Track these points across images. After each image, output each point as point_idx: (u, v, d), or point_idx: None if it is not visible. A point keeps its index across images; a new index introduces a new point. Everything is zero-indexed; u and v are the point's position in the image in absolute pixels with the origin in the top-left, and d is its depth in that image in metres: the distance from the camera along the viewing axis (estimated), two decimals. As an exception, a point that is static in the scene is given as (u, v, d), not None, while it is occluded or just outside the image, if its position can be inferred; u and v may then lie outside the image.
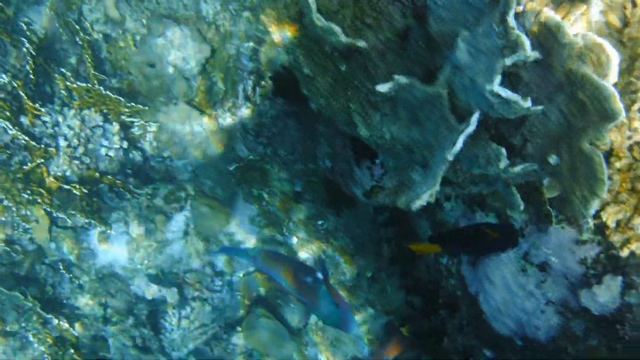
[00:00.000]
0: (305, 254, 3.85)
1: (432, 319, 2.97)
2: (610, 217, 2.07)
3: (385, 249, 3.59)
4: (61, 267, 4.10)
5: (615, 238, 2.06)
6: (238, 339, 4.30)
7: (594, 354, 2.21)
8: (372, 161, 2.30)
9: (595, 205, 1.54)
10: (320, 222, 3.75)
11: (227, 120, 3.87)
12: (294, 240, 3.90)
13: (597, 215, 2.07)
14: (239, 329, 4.29)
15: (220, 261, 4.25)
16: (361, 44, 1.84)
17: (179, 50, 3.77)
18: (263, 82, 3.65)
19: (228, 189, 4.08)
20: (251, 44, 3.64)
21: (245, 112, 3.78)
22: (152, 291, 4.21)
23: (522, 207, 1.83)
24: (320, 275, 2.26)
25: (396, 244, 3.45)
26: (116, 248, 4.18)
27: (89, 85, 3.70)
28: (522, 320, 2.38)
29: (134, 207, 4.08)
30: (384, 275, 3.64)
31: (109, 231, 4.07)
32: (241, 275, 4.29)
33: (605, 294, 2.12)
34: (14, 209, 3.78)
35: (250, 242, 4.15)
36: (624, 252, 2.06)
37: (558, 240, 2.20)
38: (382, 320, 3.82)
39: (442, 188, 2.09)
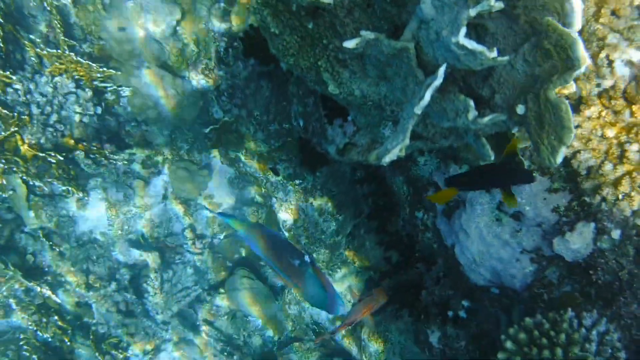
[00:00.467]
0: (285, 215, 3.86)
1: (410, 273, 3.00)
2: (581, 164, 2.09)
3: (363, 206, 3.61)
4: (41, 235, 4.09)
5: (587, 185, 2.09)
6: (221, 300, 4.34)
7: (568, 299, 2.25)
8: (343, 119, 2.30)
9: (562, 153, 1.55)
10: (298, 182, 3.76)
11: (201, 82, 3.85)
12: (274, 201, 3.90)
13: (568, 163, 2.10)
14: (221, 290, 4.32)
15: (201, 224, 4.26)
16: (326, 0, 1.83)
17: (150, 13, 3.72)
18: (235, 43, 3.61)
19: (205, 152, 4.07)
20: (222, 4, 3.60)
21: (218, 73, 3.76)
22: (133, 256, 4.23)
23: (492, 158, 1.83)
24: (307, 258, 2.27)
25: (373, 201, 3.46)
26: (95, 214, 4.17)
27: (60, 51, 3.65)
28: (497, 270, 2.42)
29: (111, 173, 4.07)
30: (362, 232, 3.67)
31: (86, 198, 4.06)
32: (222, 237, 4.31)
33: (577, 241, 2.15)
34: (-11, 178, 3.75)
35: (229, 203, 4.16)
36: (596, 199, 2.09)
37: (531, 189, 2.23)
38: (363, 275, 3.86)
39: (413, 143, 2.10)
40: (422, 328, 2.95)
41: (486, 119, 1.65)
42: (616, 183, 2.04)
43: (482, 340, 2.72)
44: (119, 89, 3.87)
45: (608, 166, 2.04)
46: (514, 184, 2.09)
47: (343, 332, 3.98)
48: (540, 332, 2.15)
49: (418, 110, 1.57)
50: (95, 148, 3.84)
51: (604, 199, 2.07)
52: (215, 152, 4.07)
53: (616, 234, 2.08)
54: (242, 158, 3.91)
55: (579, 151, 2.07)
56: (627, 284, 2.10)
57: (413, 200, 2.79)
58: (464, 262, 2.52)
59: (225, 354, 4.31)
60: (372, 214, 3.35)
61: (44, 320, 4.09)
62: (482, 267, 2.46)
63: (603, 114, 2.06)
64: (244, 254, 4.31)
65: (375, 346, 3.75)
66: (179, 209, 4.20)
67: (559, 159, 1.58)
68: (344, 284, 3.91)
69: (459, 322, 2.75)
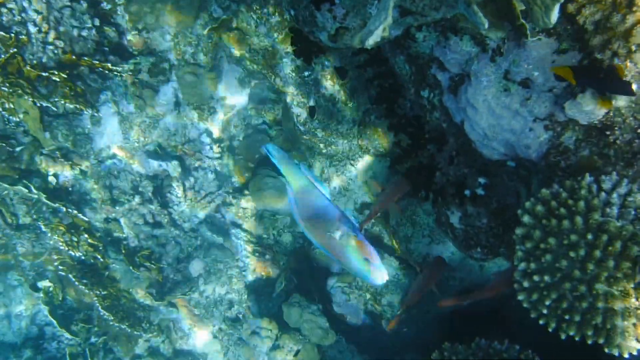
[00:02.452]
0: (298, 109, 3.76)
1: (422, 155, 2.91)
2: (587, 19, 1.94)
3: (371, 90, 3.49)
4: (59, 156, 4.08)
5: (596, 41, 1.95)
6: (247, 202, 4.31)
7: (587, 163, 2.15)
8: (331, 2, 2.16)
9: (556, 11, 1.42)
10: (306, 74, 3.64)
11: (196, -20, 3.70)
12: (286, 96, 3.80)
13: (573, 20, 1.95)
14: (246, 192, 4.29)
15: (217, 127, 4.19)
16: None
17: None
18: None
19: (210, 54, 3.96)
20: None
21: (211, -32, 3.61)
22: (153, 167, 4.21)
23: (486, 25, 1.70)
24: (349, 229, 2.22)
25: (378, 84, 3.33)
26: (110, 129, 4.14)
27: (48, -37, 3.53)
28: (511, 142, 2.31)
29: (119, 86, 4.00)
30: (373, 117, 3.56)
31: (97, 114, 4.01)
32: (241, 138, 4.24)
33: (591, 102, 2.03)
34: (-3, 104, 3.71)
35: (242, 103, 4.08)
36: (607, 54, 1.95)
37: (538, 53, 2.09)
38: (384, 164, 3.78)
39: (402, 19, 1.97)
40: (442, 210, 2.89)
41: (471, -20, 1.51)
42: (627, 35, 1.89)
43: (503, 215, 2.65)
44: (114, -4, 3.75)
45: (617, 17, 1.88)
46: (610, 92, 1.97)
47: (372, 221, 3.95)
48: (558, 202, 2.06)
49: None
50: (98, 62, 3.75)
51: (615, 54, 1.93)
52: (220, 53, 3.95)
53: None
54: (247, 56, 3.80)
55: (583, 5, 1.91)
56: (646, 140, 1.99)
57: (416, 79, 2.66)
58: (476, 138, 2.42)
59: (257, 254, 4.32)
60: (380, 98, 3.23)
61: (75, 239, 4.13)
62: (495, 140, 2.35)
63: (609, -40, 1.89)
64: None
65: (404, 230, 3.72)
66: (193, 114, 4.13)
67: (554, 18, 1.45)
68: (366, 174, 3.85)
69: (478, 200, 2.67)
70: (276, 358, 4.15)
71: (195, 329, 4.52)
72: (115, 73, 3.84)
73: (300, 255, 4.36)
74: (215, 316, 4.46)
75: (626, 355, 1.98)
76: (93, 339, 4.52)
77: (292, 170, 2.45)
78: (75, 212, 4.08)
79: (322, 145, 3.82)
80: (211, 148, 4.20)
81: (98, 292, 4.19)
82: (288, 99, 3.77)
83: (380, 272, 2.20)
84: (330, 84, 3.60)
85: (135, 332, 4.31)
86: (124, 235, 4.30)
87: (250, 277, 4.41)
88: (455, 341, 3.19)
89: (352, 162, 3.84)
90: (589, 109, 2.04)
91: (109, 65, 3.79)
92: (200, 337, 4.54)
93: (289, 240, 4.35)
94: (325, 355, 4.16)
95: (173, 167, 4.18)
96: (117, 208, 4.22)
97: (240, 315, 4.44)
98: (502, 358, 2.94)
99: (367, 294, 4.07)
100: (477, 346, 3.01)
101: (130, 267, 4.19)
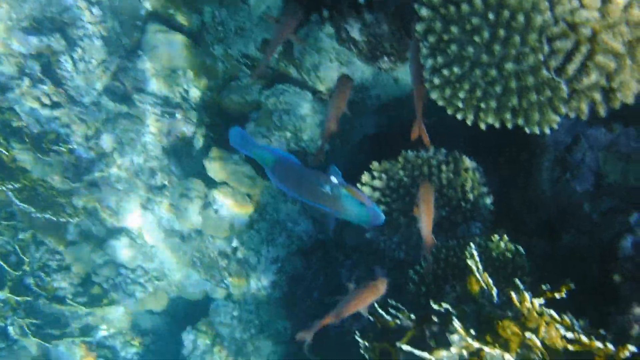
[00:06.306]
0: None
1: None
2: None
3: None
4: None
5: None
6: (144, 64, 4.07)
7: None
8: None
9: None
10: None
11: None
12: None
13: None
14: (140, 53, 4.04)
15: (93, -10, 3.87)
16: None
17: None
18: None
19: None
20: None
21: None
22: (34, 44, 3.90)
23: None
24: (335, 179, 2.36)
25: None
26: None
27: None
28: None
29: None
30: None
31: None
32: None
33: None
34: None
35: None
36: None
37: None
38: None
39: None
40: (341, 26, 2.75)
41: None
42: None
43: (403, 17, 2.54)
44: None
45: None
46: None
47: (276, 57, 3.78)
48: (452, -15, 1.95)
49: None
50: None
51: None
52: None
53: None
54: None
55: None
56: None
57: None
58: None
59: (167, 115, 4.14)
60: None
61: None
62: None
63: None
64: (150, 8, 3.96)
65: (310, 59, 3.57)
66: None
67: None
68: (259, 9, 3.63)
69: (374, 5, 2.54)
70: (210, 216, 4.08)
71: (122, 203, 4.37)
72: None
73: (212, 107, 4.20)
74: (140, 187, 4.32)
75: (547, 131, 1.96)
76: (20, 235, 4.39)
77: (260, 152, 2.66)
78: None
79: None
80: (91, 12, 3.89)
81: (12, 187, 4.00)
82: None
83: (377, 214, 2.38)
84: None
85: (62, 219, 4.18)
86: (24, 123, 4.05)
87: (166, 141, 4.24)
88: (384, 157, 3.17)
89: (242, -1, 3.62)
90: None
91: None
92: (130, 211, 4.41)
93: (197, 95, 4.16)
94: (258, 203, 4.11)
95: (56, 41, 3.88)
96: (8, 95, 3.93)
97: (165, 181, 4.31)
98: (430, 164, 2.95)
99: (287, 133, 3.96)
100: (405, 159, 3.01)
101: (39, 155, 3.98)
